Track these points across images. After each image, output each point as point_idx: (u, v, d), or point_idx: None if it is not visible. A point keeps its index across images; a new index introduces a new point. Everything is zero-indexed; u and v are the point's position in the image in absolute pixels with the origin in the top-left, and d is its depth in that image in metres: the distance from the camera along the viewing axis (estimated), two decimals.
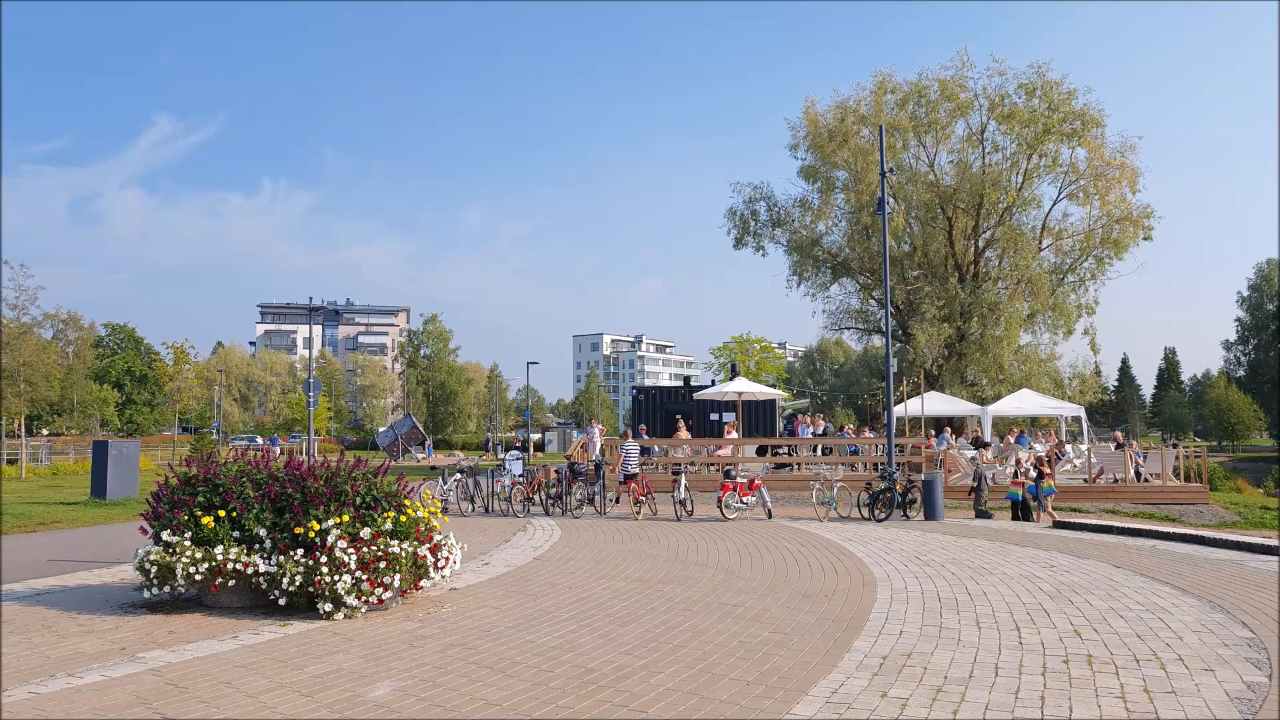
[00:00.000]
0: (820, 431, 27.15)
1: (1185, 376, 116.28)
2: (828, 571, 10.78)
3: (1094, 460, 22.45)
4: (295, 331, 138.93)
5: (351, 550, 8.21)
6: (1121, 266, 38.02)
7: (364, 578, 8.19)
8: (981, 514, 17.43)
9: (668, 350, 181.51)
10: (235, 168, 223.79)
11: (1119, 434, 30.96)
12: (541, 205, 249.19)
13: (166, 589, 8.50)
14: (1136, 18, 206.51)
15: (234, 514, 8.58)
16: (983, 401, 32.75)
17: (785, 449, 26.19)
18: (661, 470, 23.41)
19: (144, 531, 9.02)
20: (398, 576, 8.39)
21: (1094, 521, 15.72)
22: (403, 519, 8.74)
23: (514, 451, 25.01)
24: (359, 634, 7.63)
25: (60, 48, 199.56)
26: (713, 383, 49.25)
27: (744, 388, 28.17)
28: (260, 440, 67.60)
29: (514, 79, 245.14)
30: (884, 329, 21.91)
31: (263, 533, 8.53)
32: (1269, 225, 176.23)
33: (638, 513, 17.15)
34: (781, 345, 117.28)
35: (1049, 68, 36.60)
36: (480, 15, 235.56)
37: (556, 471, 18.84)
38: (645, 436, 28.99)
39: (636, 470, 18.23)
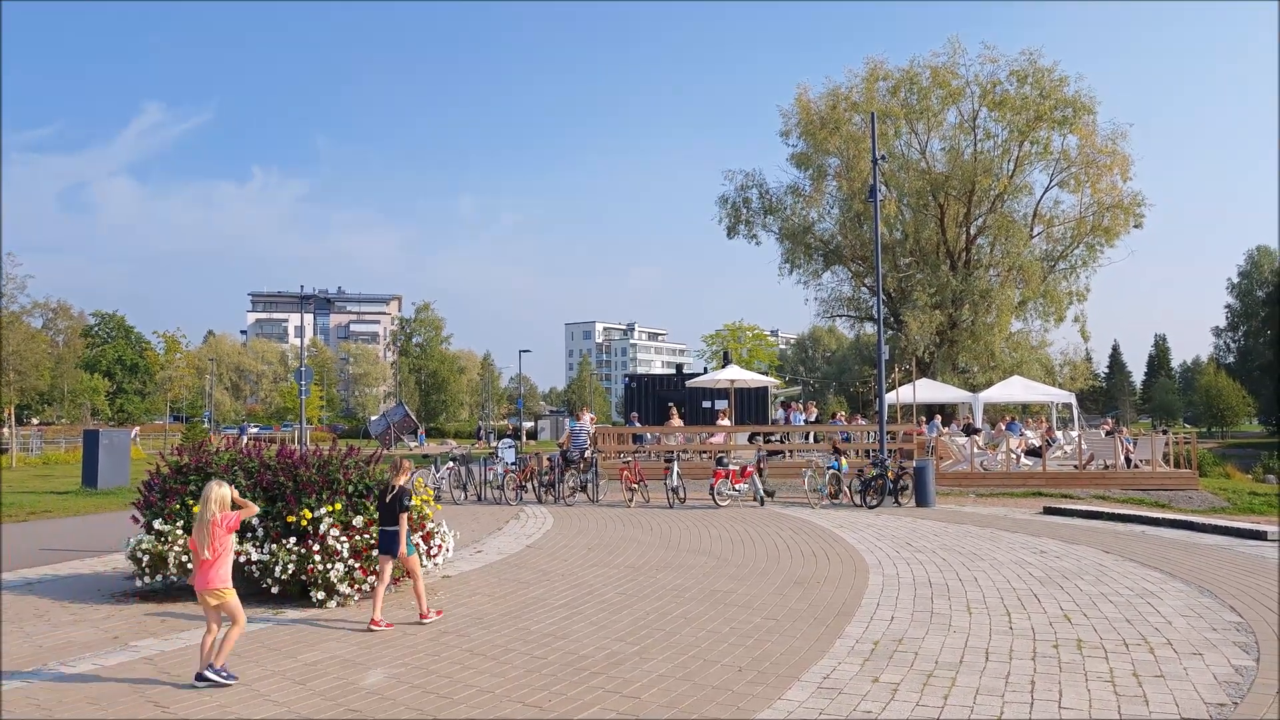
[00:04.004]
0: (813, 419, 27.21)
1: (1175, 363, 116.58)
2: (819, 558, 10.83)
3: (1084, 446, 22.52)
4: (287, 320, 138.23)
5: (344, 538, 8.21)
6: (1112, 253, 38.07)
7: (356, 566, 8.20)
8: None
9: (660, 338, 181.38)
10: (226, 156, 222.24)
11: (1109, 420, 31.11)
12: (536, 195, 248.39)
13: (159, 577, 8.50)
14: (1130, 6, 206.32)
15: None
16: (974, 388, 32.87)
17: (778, 436, 26.23)
18: (654, 458, 23.44)
19: (136, 520, 9.01)
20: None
21: (1084, 507, 15.80)
22: None
23: (507, 439, 25.00)
24: (352, 622, 7.64)
25: (48, 34, 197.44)
26: (705, 370, 49.31)
27: (736, 375, 28.21)
28: (256, 430, 67.17)
29: (509, 68, 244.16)
30: (876, 316, 21.91)
31: (255, 521, 8.51)
32: (1259, 212, 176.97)
33: (630, 500, 17.18)
34: (774, 333, 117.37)
35: (1040, 54, 36.51)
36: (476, 4, 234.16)
37: (549, 459, 18.85)
38: (638, 424, 29.08)
39: (578, 457, 18.24)
